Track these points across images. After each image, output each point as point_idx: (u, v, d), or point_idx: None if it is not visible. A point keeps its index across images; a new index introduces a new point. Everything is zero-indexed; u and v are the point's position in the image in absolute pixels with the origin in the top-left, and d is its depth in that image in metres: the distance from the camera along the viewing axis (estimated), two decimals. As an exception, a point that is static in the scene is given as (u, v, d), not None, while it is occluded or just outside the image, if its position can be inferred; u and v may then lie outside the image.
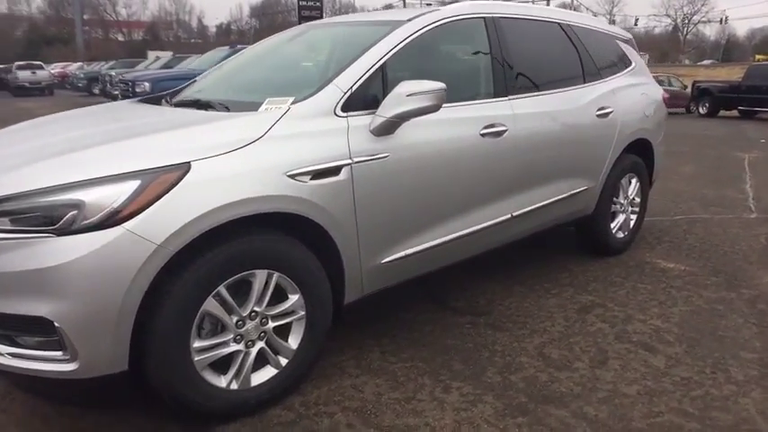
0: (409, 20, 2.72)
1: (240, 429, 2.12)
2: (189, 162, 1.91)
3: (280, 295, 2.21)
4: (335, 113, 2.30)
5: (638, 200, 4.16)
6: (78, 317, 1.77)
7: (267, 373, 2.23)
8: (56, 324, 1.76)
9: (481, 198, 2.85)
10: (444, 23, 2.81)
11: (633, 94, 3.89)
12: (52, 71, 30.17)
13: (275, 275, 2.14)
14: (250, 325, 2.13)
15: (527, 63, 3.19)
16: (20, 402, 2.28)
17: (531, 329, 2.93)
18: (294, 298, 2.22)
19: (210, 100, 2.69)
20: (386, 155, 2.37)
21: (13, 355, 1.85)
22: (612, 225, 3.96)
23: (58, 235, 1.75)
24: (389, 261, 2.51)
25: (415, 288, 3.35)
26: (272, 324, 2.20)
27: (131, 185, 1.81)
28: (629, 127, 3.78)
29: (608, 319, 3.05)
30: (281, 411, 2.23)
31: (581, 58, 3.59)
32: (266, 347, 2.20)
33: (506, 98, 2.96)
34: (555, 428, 2.12)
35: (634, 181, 4.06)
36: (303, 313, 2.26)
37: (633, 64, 4.09)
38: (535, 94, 3.15)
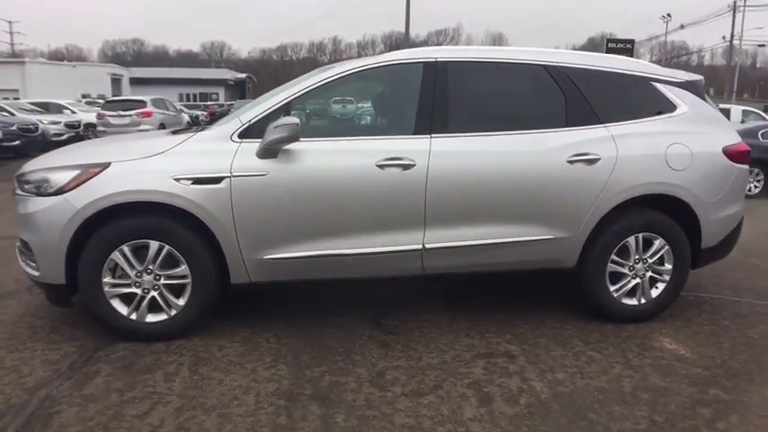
0: (335, 67, 3.28)
1: (127, 346, 3.09)
2: (110, 162, 3.00)
3: (178, 262, 3.10)
4: (231, 139, 3.09)
5: (667, 267, 3.57)
6: (38, 243, 3.03)
7: (161, 317, 3.15)
8: (31, 246, 3.05)
9: (377, 223, 3.17)
10: (369, 69, 3.26)
11: (652, 143, 3.41)
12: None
13: (166, 247, 3.05)
14: (146, 278, 3.09)
15: (472, 105, 3.33)
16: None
17: (407, 355, 3.08)
18: (182, 267, 3.09)
19: None
20: (264, 173, 3.04)
21: (26, 264, 3.21)
22: (613, 288, 3.54)
23: (36, 195, 3.03)
24: (273, 259, 3.13)
25: (368, 304, 3.80)
26: (163, 281, 3.11)
27: (73, 172, 2.99)
28: (632, 178, 3.36)
29: (493, 367, 2.96)
30: (161, 345, 3.12)
31: (567, 102, 3.41)
32: (158, 298, 3.13)
33: (426, 136, 3.20)
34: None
35: (657, 243, 3.51)
36: (189, 280, 3.11)
37: (679, 109, 3.56)
38: (470, 134, 3.25)
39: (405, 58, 3.33)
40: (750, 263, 5.11)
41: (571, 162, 3.32)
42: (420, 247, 3.23)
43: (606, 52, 34.18)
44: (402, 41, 38.43)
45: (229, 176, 3.02)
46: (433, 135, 3.22)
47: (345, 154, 3.14)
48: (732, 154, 3.56)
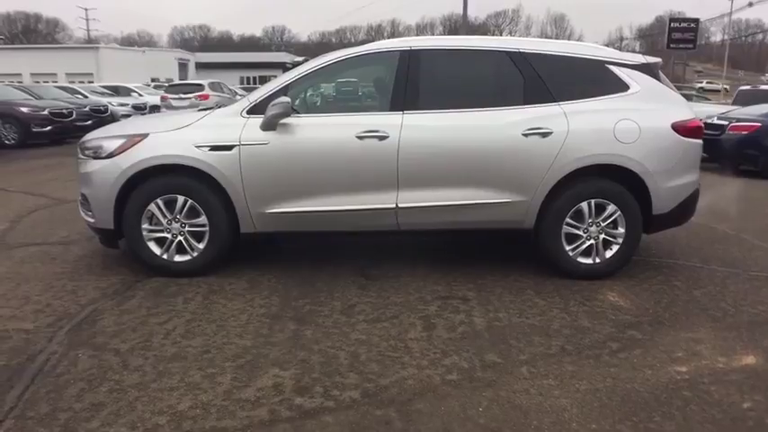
0: (326, 55, 3.94)
1: (159, 279, 3.91)
2: (148, 133, 3.80)
3: (199, 213, 3.88)
4: (241, 115, 3.82)
5: (620, 230, 4.02)
6: (93, 196, 3.89)
7: (185, 257, 3.96)
8: (88, 198, 3.92)
9: (357, 185, 3.80)
10: (355, 57, 3.89)
11: (600, 119, 3.83)
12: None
13: (189, 201, 3.84)
14: (174, 225, 3.89)
15: (441, 86, 3.89)
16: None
17: (378, 295, 3.72)
18: (202, 217, 3.87)
19: None
20: (266, 142, 3.75)
21: (84, 213, 4.09)
22: (569, 247, 4.02)
23: (93, 159, 3.89)
24: (273, 213, 3.85)
25: (359, 258, 4.47)
26: (187, 228, 3.90)
27: (120, 140, 3.82)
28: (581, 150, 3.82)
29: (447, 306, 3.56)
30: (185, 279, 3.92)
31: (525, 83, 3.90)
32: (184, 242, 3.92)
33: (399, 112, 3.80)
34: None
35: (610, 208, 3.96)
36: (207, 228, 3.89)
37: (632, 89, 3.96)
38: (437, 111, 3.82)
39: (385, 47, 3.93)
40: (739, 237, 5.41)
41: (526, 135, 3.83)
42: (394, 206, 3.85)
43: (668, 32, 33.12)
44: (460, 24, 38.35)
45: (239, 145, 3.75)
46: (405, 111, 3.81)
47: (331, 127, 3.80)
48: (681, 129, 3.94)
